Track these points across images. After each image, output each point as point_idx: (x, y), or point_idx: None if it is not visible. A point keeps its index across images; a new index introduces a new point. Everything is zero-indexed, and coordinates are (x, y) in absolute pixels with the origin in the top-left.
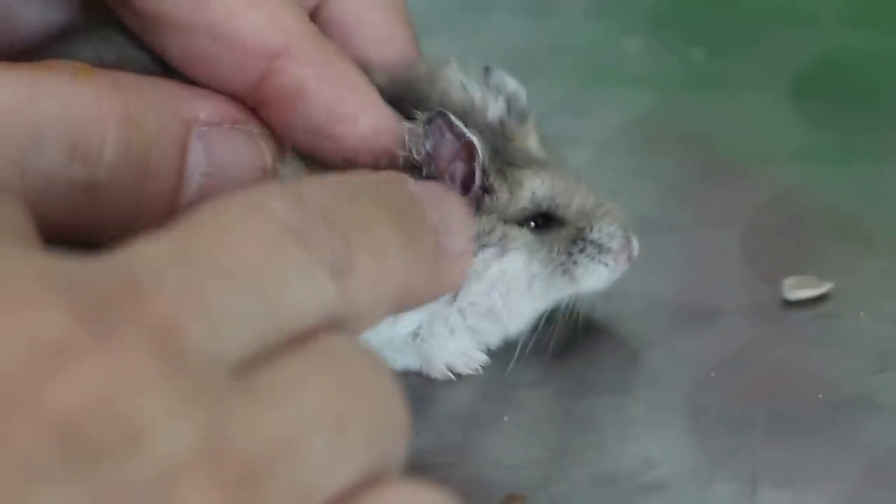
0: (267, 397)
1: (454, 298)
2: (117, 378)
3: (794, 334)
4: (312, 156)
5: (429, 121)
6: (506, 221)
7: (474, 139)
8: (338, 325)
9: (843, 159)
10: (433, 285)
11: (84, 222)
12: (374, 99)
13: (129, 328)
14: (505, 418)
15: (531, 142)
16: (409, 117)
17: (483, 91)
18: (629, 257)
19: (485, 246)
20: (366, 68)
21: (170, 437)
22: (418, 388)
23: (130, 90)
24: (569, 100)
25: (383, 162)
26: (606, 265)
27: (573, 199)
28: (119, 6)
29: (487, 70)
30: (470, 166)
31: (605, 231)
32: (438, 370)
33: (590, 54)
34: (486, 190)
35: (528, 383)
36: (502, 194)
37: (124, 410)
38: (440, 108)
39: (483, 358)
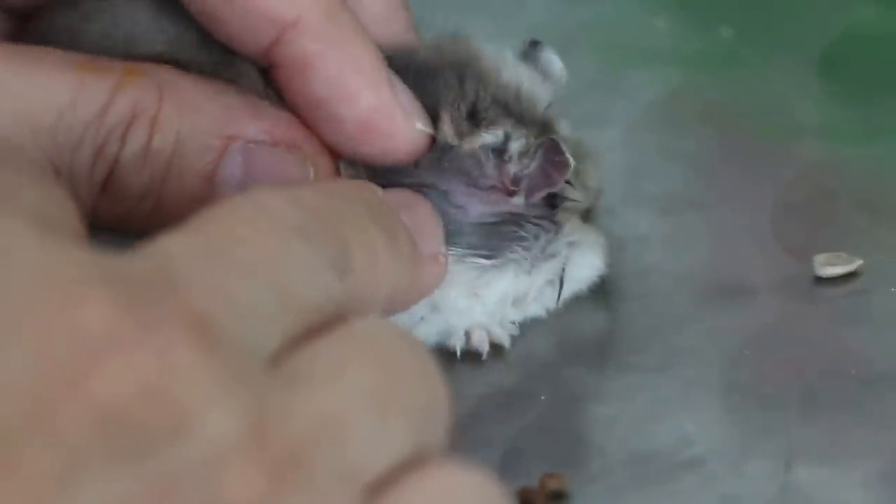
0: (305, 382)
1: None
2: (163, 367)
3: (826, 311)
4: (318, 134)
5: (542, 145)
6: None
7: (573, 162)
8: (347, 318)
9: (872, 135)
10: (413, 287)
11: (103, 215)
12: (379, 80)
13: (171, 319)
14: (542, 397)
15: (563, 122)
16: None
17: (531, 73)
18: None
19: (570, 244)
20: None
21: (216, 424)
22: (455, 365)
23: (171, 94)
24: (598, 79)
25: (382, 147)
26: None
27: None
28: None
29: (534, 44)
30: (553, 179)
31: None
32: (466, 343)
33: (618, 33)
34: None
35: (563, 362)
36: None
37: (171, 399)
38: (552, 137)
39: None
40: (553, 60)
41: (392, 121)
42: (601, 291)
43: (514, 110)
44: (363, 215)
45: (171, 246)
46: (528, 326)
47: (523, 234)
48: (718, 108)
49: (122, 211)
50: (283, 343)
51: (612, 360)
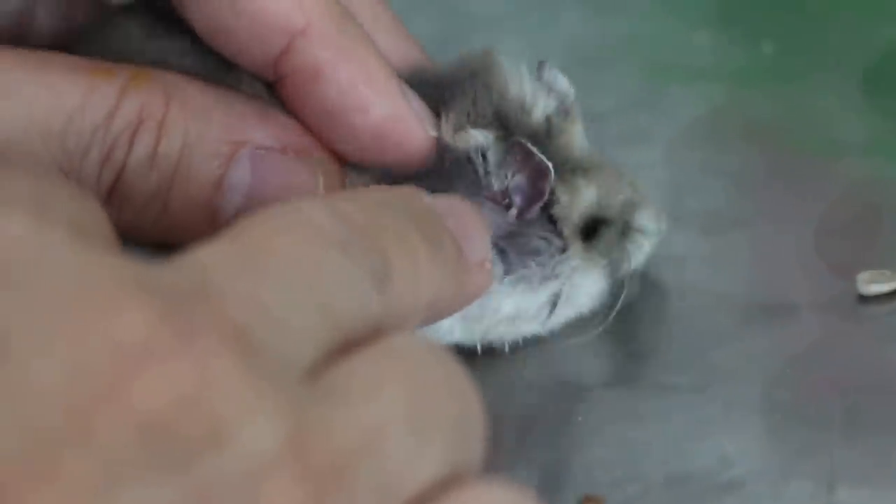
0: (343, 397)
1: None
2: (202, 378)
3: (870, 330)
4: (328, 143)
5: (510, 149)
6: (570, 236)
7: (550, 165)
8: (383, 332)
9: None
10: (459, 294)
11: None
12: (391, 89)
13: (207, 330)
14: (579, 418)
15: (576, 135)
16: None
17: (535, 87)
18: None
19: (573, 268)
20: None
21: (255, 435)
22: (493, 387)
23: (178, 100)
24: (639, 95)
25: (395, 155)
26: (644, 246)
27: (617, 195)
28: None
29: (541, 64)
30: (539, 188)
31: (646, 215)
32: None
33: (659, 49)
34: (549, 205)
35: (601, 383)
36: (564, 208)
37: (209, 409)
38: (518, 139)
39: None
40: (558, 78)
41: (406, 129)
42: (642, 310)
43: (512, 121)
44: (405, 224)
45: (205, 256)
46: (565, 349)
47: (538, 247)
48: (761, 125)
49: (129, 217)
50: (319, 356)
51: (650, 381)
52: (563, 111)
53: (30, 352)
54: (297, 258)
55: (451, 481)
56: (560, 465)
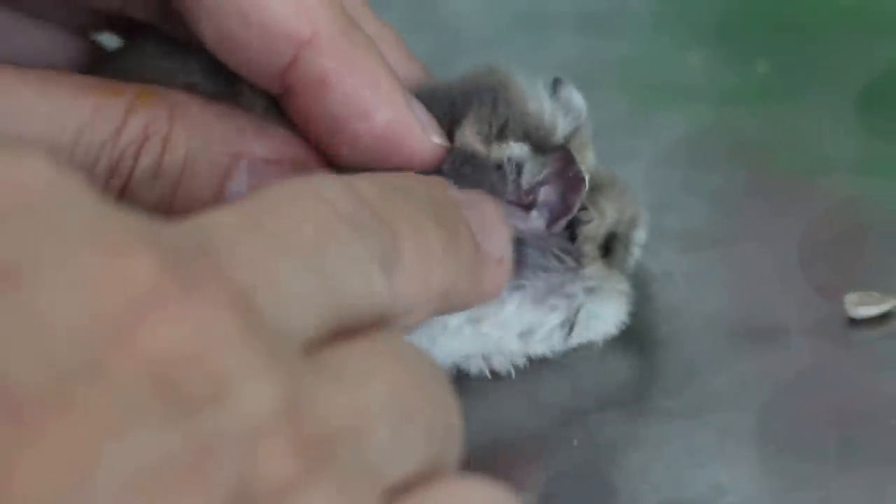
0: (339, 377)
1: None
2: (204, 331)
3: (862, 355)
4: (332, 151)
5: (551, 157)
6: (592, 257)
7: (586, 177)
8: (387, 321)
9: None
10: (474, 289)
11: None
12: (395, 97)
13: (213, 288)
14: (574, 442)
15: (589, 154)
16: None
17: (554, 105)
18: None
19: (589, 290)
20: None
21: (255, 396)
22: (486, 410)
23: (182, 116)
24: (631, 114)
25: (397, 161)
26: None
27: (627, 211)
28: None
29: (557, 82)
30: (568, 202)
31: (642, 228)
32: (476, 364)
33: (652, 68)
34: (572, 223)
35: (596, 407)
36: (593, 228)
37: (210, 363)
38: (565, 146)
39: (523, 360)
40: (574, 96)
41: (409, 135)
42: (631, 332)
43: (534, 137)
44: (422, 210)
45: (215, 217)
46: (559, 372)
47: (540, 260)
48: (749, 144)
49: None
50: (318, 332)
51: (645, 406)
52: (578, 129)
53: (44, 285)
54: (304, 229)
55: (430, 474)
56: (554, 489)
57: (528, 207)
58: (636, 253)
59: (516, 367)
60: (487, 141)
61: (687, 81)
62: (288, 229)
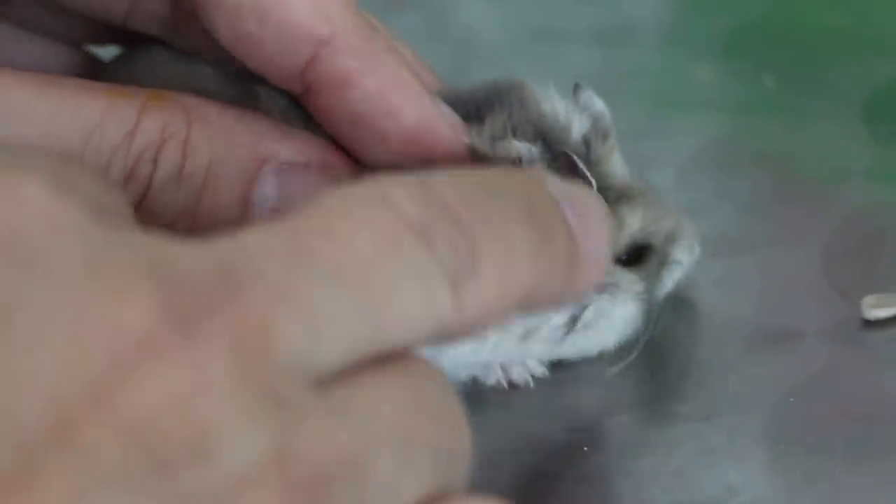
0: (345, 409)
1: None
2: (194, 380)
3: (875, 356)
4: (358, 152)
5: (554, 159)
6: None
7: (593, 182)
8: (444, 335)
9: None
10: (567, 288)
11: None
12: (421, 94)
13: (216, 325)
14: (585, 448)
15: (615, 161)
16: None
17: (569, 107)
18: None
19: (598, 293)
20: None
21: (240, 447)
22: (498, 416)
23: (200, 119)
24: (642, 126)
25: (427, 163)
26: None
27: (661, 224)
28: None
29: (577, 87)
30: None
31: (684, 247)
32: (495, 376)
33: (662, 81)
34: None
35: (607, 411)
36: None
37: (197, 415)
38: (566, 150)
39: (542, 370)
40: (594, 100)
41: (437, 133)
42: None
43: (549, 138)
44: (509, 211)
45: (250, 239)
46: (571, 376)
47: None
48: (764, 153)
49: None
50: (349, 360)
51: (656, 410)
52: (602, 135)
53: (22, 337)
54: (358, 246)
55: (438, 499)
56: (567, 495)
57: None
58: (677, 271)
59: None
60: (496, 140)
61: (698, 94)
62: (331, 244)
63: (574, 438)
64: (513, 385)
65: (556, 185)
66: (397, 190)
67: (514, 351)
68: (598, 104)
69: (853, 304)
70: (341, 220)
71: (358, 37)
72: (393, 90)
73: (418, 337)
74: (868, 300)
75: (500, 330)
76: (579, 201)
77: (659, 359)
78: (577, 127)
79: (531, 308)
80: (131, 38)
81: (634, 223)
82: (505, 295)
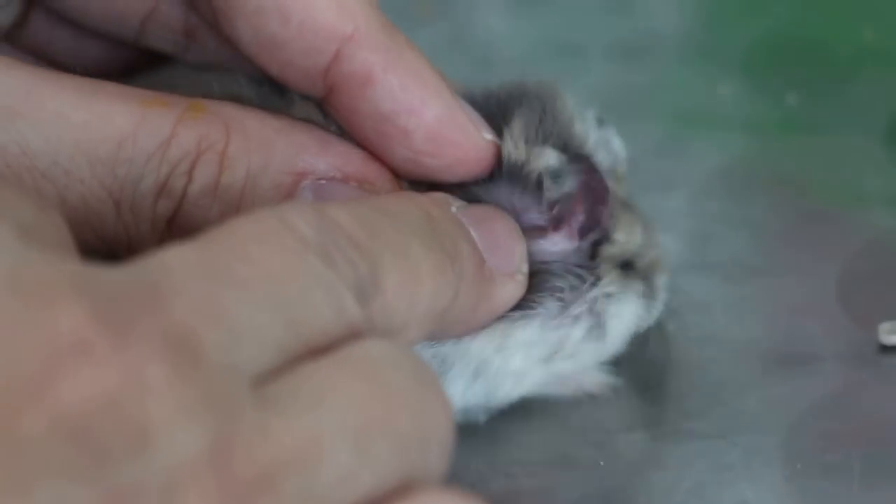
0: (287, 405)
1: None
2: (127, 380)
3: (891, 379)
4: (381, 151)
5: (575, 160)
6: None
7: (609, 187)
8: (362, 337)
9: None
10: (481, 307)
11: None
12: (443, 91)
13: (145, 332)
14: (601, 463)
15: (623, 188)
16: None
17: (597, 135)
18: None
19: (608, 295)
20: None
21: (176, 442)
22: (513, 431)
23: (238, 131)
24: (662, 144)
25: (450, 158)
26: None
27: (650, 250)
28: None
29: (601, 121)
30: (596, 212)
31: (663, 280)
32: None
33: (683, 99)
34: (605, 238)
35: (622, 428)
36: (615, 244)
37: (131, 413)
38: (584, 153)
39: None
40: (615, 139)
41: (461, 130)
42: (662, 357)
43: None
44: (408, 234)
45: (172, 256)
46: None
47: (558, 283)
48: (784, 175)
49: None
50: (277, 361)
51: (671, 427)
52: (618, 177)
53: None
54: (266, 263)
55: (398, 491)
56: None
57: (555, 220)
58: (660, 297)
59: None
60: (529, 146)
61: (717, 112)
62: (242, 262)
63: (590, 454)
64: (591, 395)
65: (461, 206)
66: (297, 216)
67: (544, 374)
68: (618, 145)
69: (869, 329)
70: (253, 244)
71: (380, 32)
72: (415, 86)
73: (335, 337)
74: (885, 326)
75: (522, 359)
76: (485, 220)
77: (673, 378)
78: (600, 159)
79: (450, 324)
80: (140, 68)
81: (636, 240)
82: (414, 309)
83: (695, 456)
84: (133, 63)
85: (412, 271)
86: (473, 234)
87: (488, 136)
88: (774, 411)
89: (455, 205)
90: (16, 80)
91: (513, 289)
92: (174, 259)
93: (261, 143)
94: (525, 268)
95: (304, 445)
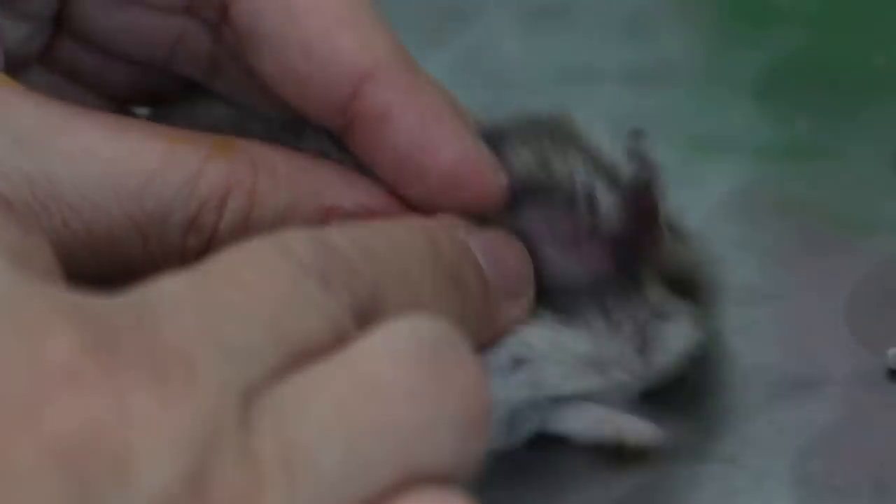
0: (268, 421)
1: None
2: (113, 409)
3: None
4: (397, 188)
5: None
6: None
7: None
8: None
9: None
10: (485, 331)
11: None
12: (461, 130)
13: (136, 357)
14: (609, 483)
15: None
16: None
17: (614, 146)
18: None
19: (657, 314)
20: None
21: (157, 473)
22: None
23: (266, 169)
24: (674, 169)
25: (465, 199)
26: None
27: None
28: (216, 23)
29: (636, 134)
30: (651, 227)
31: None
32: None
33: (695, 124)
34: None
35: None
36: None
37: (116, 442)
38: (642, 170)
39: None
40: (649, 147)
41: (478, 170)
42: (671, 382)
43: (601, 169)
44: (411, 258)
45: (165, 284)
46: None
47: (604, 298)
48: (794, 200)
49: None
50: (269, 374)
51: (682, 448)
52: (654, 180)
53: None
54: (262, 288)
55: (398, 489)
56: None
57: (602, 235)
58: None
59: None
60: (545, 163)
61: (729, 137)
62: (237, 288)
63: (598, 473)
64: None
65: (467, 230)
66: (296, 242)
67: (593, 381)
68: (655, 155)
69: (878, 354)
70: (247, 270)
71: (400, 69)
72: (433, 124)
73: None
74: (894, 351)
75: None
76: (492, 244)
77: (685, 401)
78: (624, 170)
79: None
80: (168, 93)
81: (685, 255)
82: None
83: (704, 479)
84: (163, 87)
85: (413, 297)
86: (480, 258)
87: (503, 181)
88: (784, 435)
89: (462, 228)
90: (46, 114)
91: (518, 312)
92: (167, 286)
93: (287, 181)
94: (530, 292)
95: (284, 458)
